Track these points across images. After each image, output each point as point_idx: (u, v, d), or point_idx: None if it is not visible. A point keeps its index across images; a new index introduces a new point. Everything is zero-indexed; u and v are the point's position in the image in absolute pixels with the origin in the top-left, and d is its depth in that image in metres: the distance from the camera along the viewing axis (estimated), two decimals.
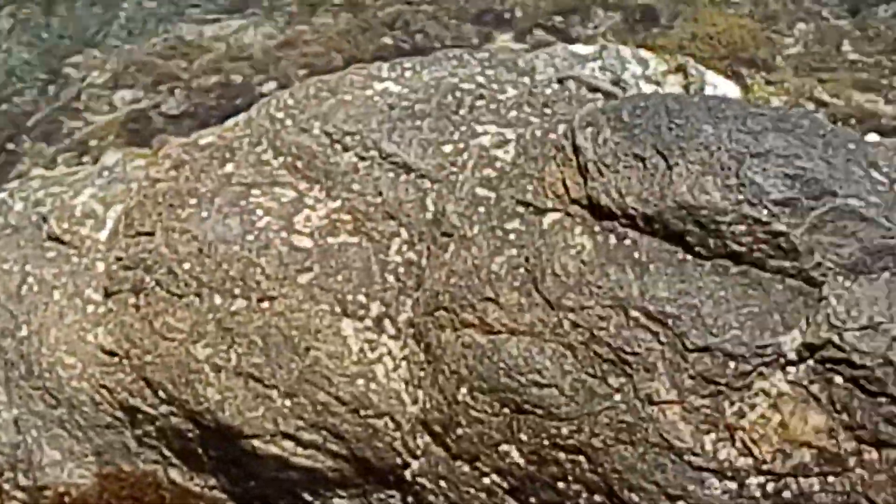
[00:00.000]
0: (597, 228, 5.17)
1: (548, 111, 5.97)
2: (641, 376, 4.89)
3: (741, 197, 4.95)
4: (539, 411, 5.02)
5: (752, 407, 4.81)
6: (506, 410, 5.07)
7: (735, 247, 4.96)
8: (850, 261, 4.90)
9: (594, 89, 7.09)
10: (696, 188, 5.01)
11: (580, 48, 7.43)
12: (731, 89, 7.51)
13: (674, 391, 4.85)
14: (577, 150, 5.30)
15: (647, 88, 7.27)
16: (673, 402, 4.86)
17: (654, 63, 7.42)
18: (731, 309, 4.90)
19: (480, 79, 6.16)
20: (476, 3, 8.59)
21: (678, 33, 8.21)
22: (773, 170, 4.98)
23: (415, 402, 5.27)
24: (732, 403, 4.83)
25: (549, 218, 5.26)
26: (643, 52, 7.57)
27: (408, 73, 6.23)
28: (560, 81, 7.12)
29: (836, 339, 4.75)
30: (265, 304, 5.47)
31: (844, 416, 4.73)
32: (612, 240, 5.11)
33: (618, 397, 4.93)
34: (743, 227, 4.94)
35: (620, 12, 8.50)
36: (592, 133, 5.28)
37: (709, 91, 7.34)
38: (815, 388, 4.77)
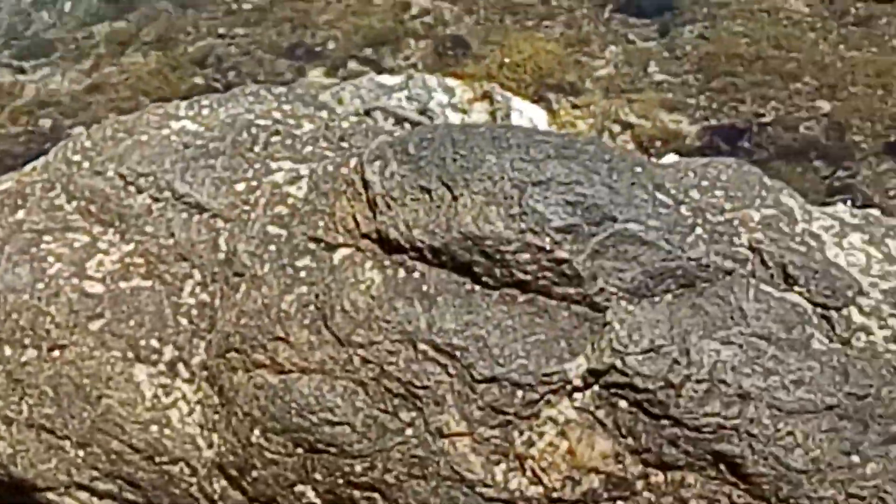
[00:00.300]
0: (386, 262, 5.16)
1: (344, 145, 5.95)
2: (431, 409, 4.89)
3: (524, 226, 4.97)
4: (332, 450, 4.98)
5: (541, 435, 4.83)
6: (299, 450, 5.03)
7: (521, 275, 4.98)
8: (632, 285, 4.94)
9: (401, 119, 7.11)
10: (480, 218, 5.02)
11: (386, 79, 7.45)
12: (537, 114, 7.58)
13: (463, 423, 4.85)
14: (365, 184, 5.29)
15: (454, 117, 7.31)
16: (463, 433, 4.85)
17: (460, 91, 7.46)
18: (518, 338, 4.92)
19: (277, 114, 6.11)
20: (288, 37, 8.56)
21: (488, 61, 8.25)
22: (554, 197, 5.01)
23: (210, 446, 5.20)
24: (521, 433, 4.84)
25: (340, 254, 5.24)
26: (449, 81, 7.62)
27: (205, 111, 6.17)
28: (367, 113, 7.13)
29: (618, 363, 4.79)
30: (56, 353, 5.37)
31: (630, 440, 4.76)
32: (402, 273, 5.10)
33: (409, 432, 4.91)
34: (527, 256, 4.96)
35: (431, 42, 8.53)
36: (380, 166, 5.27)
37: (515, 117, 7.40)
38: (600, 414, 4.80)
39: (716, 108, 7.87)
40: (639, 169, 5.36)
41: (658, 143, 7.58)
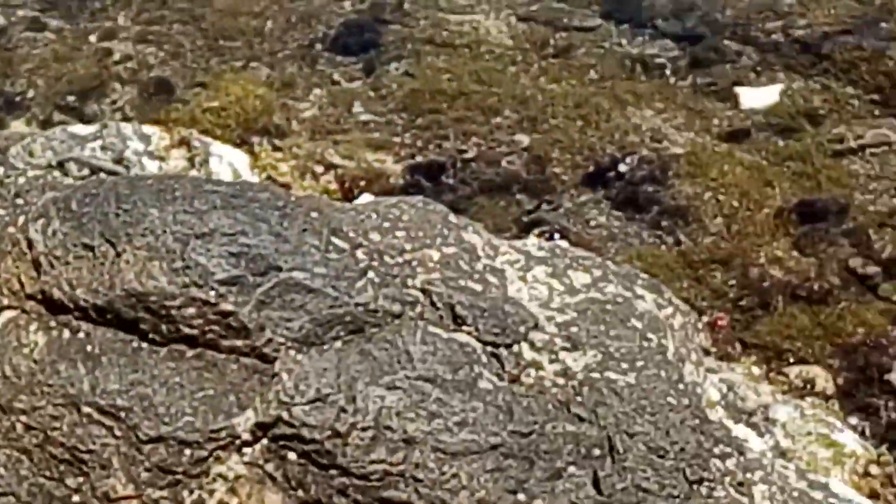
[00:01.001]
0: (52, 324, 5.01)
1: (20, 202, 5.79)
2: (98, 474, 4.75)
3: (187, 280, 4.89)
4: None
5: (211, 493, 4.73)
6: None
7: (188, 330, 4.89)
8: (300, 334, 4.89)
9: (96, 170, 6.94)
10: (143, 274, 4.92)
11: (80, 128, 7.27)
12: (238, 159, 7.48)
13: (131, 486, 4.73)
14: (29, 243, 5.14)
15: (151, 164, 7.17)
16: (130, 496, 4.73)
17: (156, 138, 7.32)
18: (186, 394, 4.82)
19: None
20: None
21: (194, 105, 8.14)
22: (217, 249, 4.94)
23: None
24: (191, 492, 4.73)
25: (4, 316, 5.08)
26: (146, 128, 7.47)
27: None
28: (60, 165, 6.95)
29: (286, 415, 4.72)
30: None
31: (300, 493, 4.69)
32: (66, 334, 4.96)
33: (76, 498, 4.76)
34: (193, 310, 4.87)
35: (136, 87, 8.39)
36: (43, 224, 5.13)
37: (214, 162, 7.30)
38: (270, 467, 4.72)
39: (420, 145, 7.89)
40: (314, 214, 5.33)
41: (362, 183, 7.56)
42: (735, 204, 7.27)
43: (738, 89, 7.96)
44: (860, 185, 7.34)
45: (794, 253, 7.03)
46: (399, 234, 5.57)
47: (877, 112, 7.69)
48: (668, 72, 8.23)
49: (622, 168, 7.61)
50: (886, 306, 6.69)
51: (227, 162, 7.47)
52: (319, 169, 7.61)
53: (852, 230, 7.08)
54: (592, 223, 7.45)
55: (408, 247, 5.50)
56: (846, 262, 6.95)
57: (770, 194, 7.30)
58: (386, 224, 5.60)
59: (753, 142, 7.69)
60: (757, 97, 7.89)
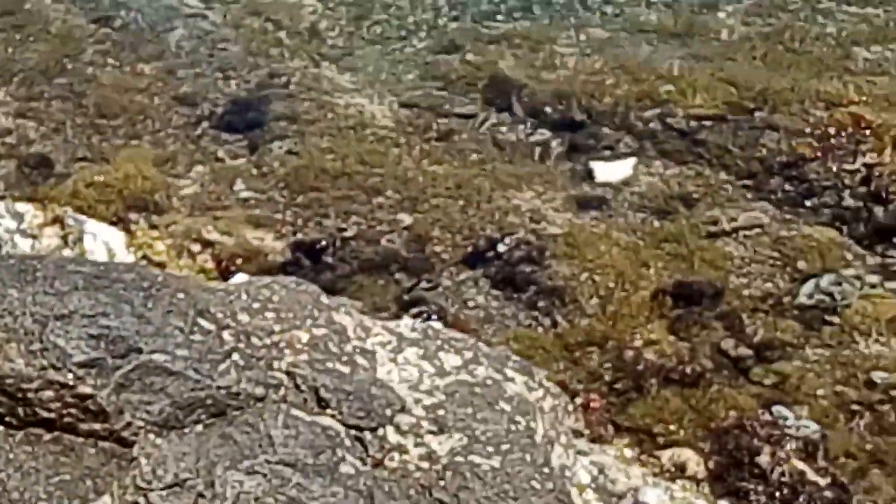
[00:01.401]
0: None
1: None
2: None
3: (45, 362, 4.82)
4: None
5: None
6: None
7: (45, 414, 4.82)
8: (160, 417, 4.84)
9: None
10: (0, 357, 4.85)
11: None
12: (113, 237, 7.43)
13: None
14: None
15: (24, 243, 7.10)
16: None
17: (30, 216, 7.26)
18: (41, 479, 4.74)
19: None
20: None
21: (73, 181, 8.08)
22: (76, 331, 4.88)
23: None
24: None
25: None
26: (19, 206, 7.40)
27: None
28: None
29: (142, 501, 4.66)
30: None
31: None
32: None
33: None
34: (51, 393, 4.81)
35: (14, 161, 8.32)
36: None
37: (88, 240, 7.24)
38: None
39: (301, 223, 7.89)
40: (181, 295, 5.29)
41: (239, 261, 7.53)
42: (611, 285, 7.33)
43: (592, 164, 8.08)
44: (734, 269, 7.43)
45: (669, 335, 7.09)
46: (268, 314, 5.55)
47: (750, 196, 7.81)
48: (547, 156, 8.31)
49: (500, 248, 7.66)
50: (758, 390, 6.76)
51: (102, 240, 7.42)
52: (196, 247, 7.57)
53: (726, 313, 7.16)
54: (470, 303, 7.48)
55: (276, 328, 5.48)
56: (719, 345, 7.02)
57: (646, 276, 7.37)
58: (256, 305, 5.58)
59: (630, 223, 7.78)
60: (611, 171, 8.00)
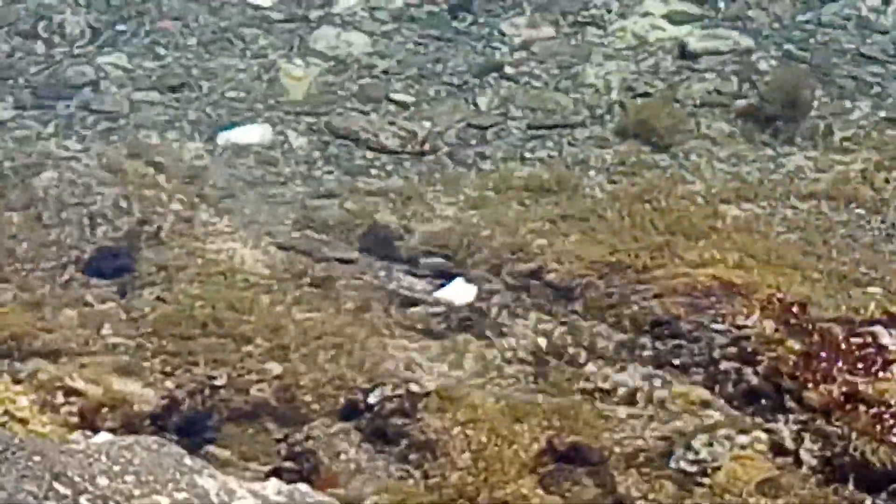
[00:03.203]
0: None
1: None
2: None
3: None
4: None
5: None
6: None
7: None
8: None
9: None
10: None
11: None
12: None
13: None
14: None
15: None
16: None
17: None
18: None
19: None
20: None
21: None
22: None
23: None
24: None
25: None
26: None
27: None
28: None
29: None
30: None
31: None
32: None
33: None
34: None
35: None
36: None
37: None
38: None
39: (170, 371, 7.75)
40: (37, 458, 5.15)
41: (105, 410, 7.37)
42: (483, 439, 7.27)
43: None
44: (608, 426, 7.40)
45: (540, 491, 7.03)
46: (128, 478, 5.40)
47: (623, 354, 7.81)
48: (423, 306, 8.27)
49: (372, 400, 7.57)
50: None
51: None
52: (60, 399, 7.40)
53: (597, 470, 7.12)
54: (342, 455, 7.38)
55: (136, 492, 5.34)
56: (591, 502, 6.97)
57: (519, 431, 7.32)
58: (116, 468, 5.43)
59: (504, 377, 7.74)
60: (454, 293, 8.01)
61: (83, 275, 8.38)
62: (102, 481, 5.28)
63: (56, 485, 5.08)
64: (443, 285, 8.31)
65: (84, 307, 8.14)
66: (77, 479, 5.21)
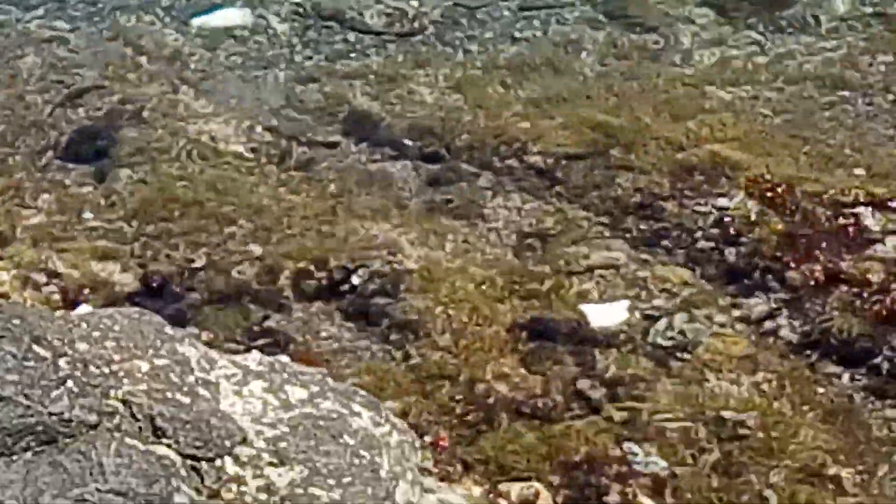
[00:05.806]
0: None
1: None
2: None
3: None
4: None
5: None
6: None
7: None
8: None
9: None
10: None
11: None
12: None
13: None
14: None
15: None
16: None
17: None
18: None
19: None
20: None
21: None
22: None
23: None
24: None
25: None
26: None
27: None
28: None
29: None
30: None
31: None
32: None
33: None
34: None
35: None
36: None
37: None
38: None
39: (150, 254, 7.70)
40: (16, 321, 5.13)
41: (87, 292, 7.33)
42: (465, 319, 7.26)
43: (583, 307, 7.53)
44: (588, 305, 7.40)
45: (521, 370, 7.03)
46: (108, 344, 5.40)
47: (606, 234, 7.79)
48: (406, 189, 8.24)
49: (355, 280, 7.55)
50: (608, 426, 6.72)
51: None
52: (42, 278, 7.36)
53: (579, 349, 7.12)
54: (323, 335, 7.36)
55: (116, 357, 5.33)
56: (573, 380, 6.97)
57: (500, 311, 7.31)
58: (96, 334, 5.43)
59: (486, 258, 7.72)
60: (604, 314, 7.77)
61: (62, 159, 8.34)
62: (82, 346, 5.28)
63: (35, 347, 5.07)
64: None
65: (63, 190, 8.09)
66: (56, 342, 5.20)
